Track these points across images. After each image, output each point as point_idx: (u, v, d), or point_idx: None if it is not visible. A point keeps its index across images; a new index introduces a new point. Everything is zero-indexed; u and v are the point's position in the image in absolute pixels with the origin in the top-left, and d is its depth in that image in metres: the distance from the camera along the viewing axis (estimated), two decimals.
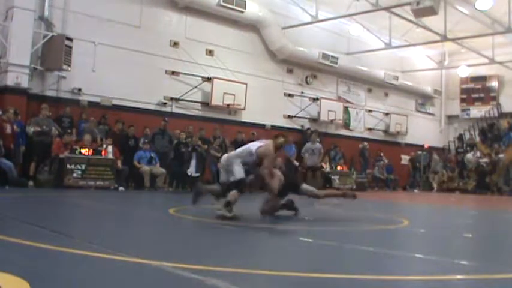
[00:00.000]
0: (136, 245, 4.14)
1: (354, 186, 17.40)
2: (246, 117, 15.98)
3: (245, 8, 15.20)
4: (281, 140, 6.08)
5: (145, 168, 11.99)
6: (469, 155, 20.72)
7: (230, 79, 15.43)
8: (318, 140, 13.87)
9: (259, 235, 5.41)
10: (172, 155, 13.08)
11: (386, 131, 21.30)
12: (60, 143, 11.05)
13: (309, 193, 6.91)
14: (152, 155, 12.33)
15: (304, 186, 6.97)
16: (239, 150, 6.08)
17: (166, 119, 13.28)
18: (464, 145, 22.81)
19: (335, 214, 8.67)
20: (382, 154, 19.73)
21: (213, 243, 4.49)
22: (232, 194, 5.69)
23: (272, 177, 5.95)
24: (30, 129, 10.85)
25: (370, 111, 20.71)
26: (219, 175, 6.36)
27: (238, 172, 5.70)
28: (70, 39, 11.85)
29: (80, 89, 12.59)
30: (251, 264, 3.52)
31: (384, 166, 19.55)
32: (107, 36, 12.90)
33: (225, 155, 6.17)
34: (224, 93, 15.10)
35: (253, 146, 5.94)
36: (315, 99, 18.15)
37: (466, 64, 21.46)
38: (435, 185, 20.56)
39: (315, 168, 13.35)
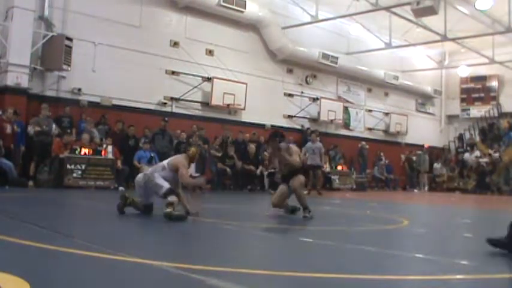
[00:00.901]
0: (136, 245, 4.14)
1: (354, 186, 17.45)
2: (246, 117, 15.97)
3: (245, 8, 15.19)
4: (193, 149, 6.28)
5: (145, 168, 11.96)
6: (467, 155, 20.73)
7: (230, 79, 15.42)
8: (318, 139, 13.86)
9: (259, 235, 5.41)
10: (173, 155, 13.07)
11: (386, 131, 21.29)
12: (60, 143, 11.04)
13: (298, 190, 6.76)
14: (152, 154, 12.32)
15: (301, 178, 6.85)
16: (151, 168, 6.22)
17: (166, 118, 13.26)
18: (464, 145, 22.81)
19: (335, 214, 8.68)
20: (382, 154, 19.73)
21: (213, 243, 4.49)
22: (172, 197, 5.74)
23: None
24: (31, 130, 10.85)
25: (370, 111, 20.71)
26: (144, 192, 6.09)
27: (164, 184, 5.81)
28: (70, 39, 11.84)
29: (80, 89, 12.58)
30: (251, 264, 3.53)
31: (384, 166, 19.56)
32: (107, 36, 12.90)
33: (140, 175, 6.20)
34: (224, 93, 15.10)
35: (164, 161, 6.19)
36: (315, 99, 18.15)
37: (466, 64, 21.46)
38: (427, 185, 20.53)
39: (315, 167, 13.32)
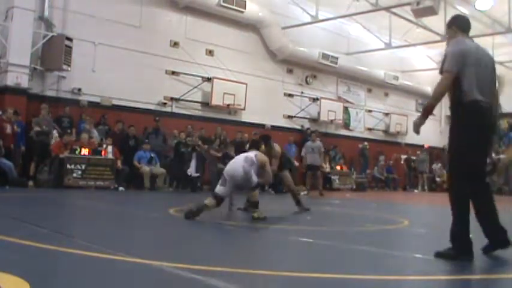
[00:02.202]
0: (136, 245, 4.14)
1: (354, 186, 17.45)
2: (246, 117, 15.97)
3: (245, 8, 15.18)
4: (263, 147, 6.63)
5: (145, 169, 11.99)
6: None
7: (230, 79, 15.42)
8: (318, 138, 13.88)
9: (259, 235, 5.41)
10: (172, 154, 13.08)
11: (386, 131, 21.29)
12: (60, 143, 11.05)
13: (286, 182, 7.38)
14: (152, 155, 12.34)
15: (286, 173, 7.44)
16: (242, 159, 6.19)
17: (157, 118, 13.20)
18: None
19: (335, 214, 8.69)
20: (381, 154, 19.70)
21: (212, 243, 4.49)
22: (255, 193, 6.11)
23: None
24: (33, 132, 10.85)
25: (370, 111, 20.70)
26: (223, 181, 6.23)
27: (254, 179, 6.13)
28: (70, 39, 11.83)
29: (79, 89, 12.58)
30: (251, 264, 3.53)
31: (384, 166, 19.56)
32: (107, 36, 12.90)
33: (240, 169, 6.08)
34: (224, 93, 15.10)
35: (251, 154, 6.26)
36: (315, 99, 18.15)
37: None
38: (425, 186, 20.52)
39: (315, 167, 13.30)
